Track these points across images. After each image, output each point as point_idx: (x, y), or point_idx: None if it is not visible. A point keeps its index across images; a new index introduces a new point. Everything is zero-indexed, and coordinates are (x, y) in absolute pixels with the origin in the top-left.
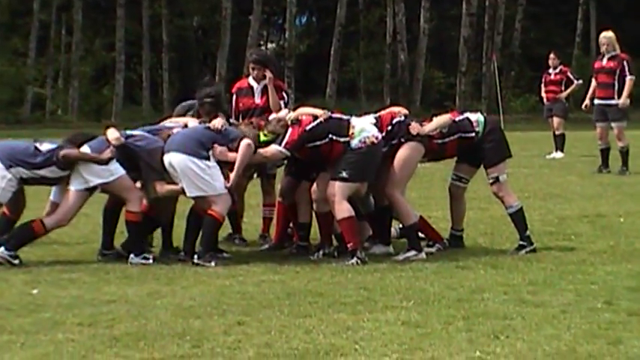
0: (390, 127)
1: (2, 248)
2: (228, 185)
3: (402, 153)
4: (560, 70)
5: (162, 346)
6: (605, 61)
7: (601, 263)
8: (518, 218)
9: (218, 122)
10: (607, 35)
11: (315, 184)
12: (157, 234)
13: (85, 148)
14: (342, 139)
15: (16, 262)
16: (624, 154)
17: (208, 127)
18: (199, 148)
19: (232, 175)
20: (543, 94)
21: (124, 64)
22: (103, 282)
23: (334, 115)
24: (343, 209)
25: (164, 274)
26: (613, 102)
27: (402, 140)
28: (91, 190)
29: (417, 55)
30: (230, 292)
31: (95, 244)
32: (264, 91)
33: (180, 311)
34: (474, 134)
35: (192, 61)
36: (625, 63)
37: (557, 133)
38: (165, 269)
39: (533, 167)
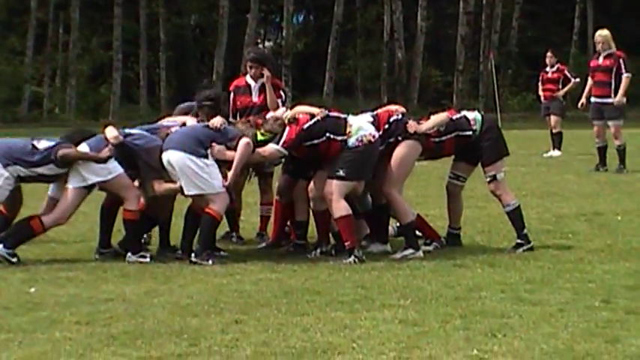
0: (387, 126)
1: (1, 246)
2: (227, 184)
3: (400, 151)
4: (558, 68)
5: (159, 345)
6: (601, 59)
7: (598, 262)
8: (516, 216)
9: (217, 121)
10: (602, 33)
11: (312, 183)
12: (155, 232)
13: (84, 147)
14: (339, 138)
15: (14, 260)
16: (621, 152)
17: (207, 126)
18: (198, 146)
19: (230, 174)
20: (540, 93)
21: (121, 62)
22: (100, 280)
23: (331, 114)
24: (340, 207)
25: (161, 273)
26: (610, 100)
27: (400, 138)
28: (89, 188)
29: (415, 53)
30: (227, 291)
31: (93, 242)
32: (262, 89)
33: (177, 309)
34: (471, 133)
35: (190, 59)
36: (621, 61)
37: (554, 131)
38: (163, 268)
39: (530, 165)
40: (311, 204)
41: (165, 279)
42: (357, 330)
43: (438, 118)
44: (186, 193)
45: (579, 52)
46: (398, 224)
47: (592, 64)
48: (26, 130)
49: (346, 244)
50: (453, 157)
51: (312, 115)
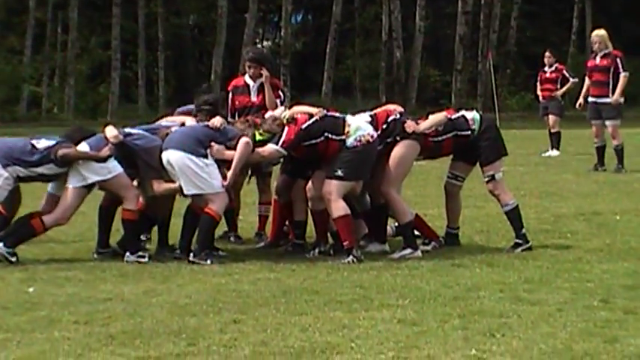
0: (385, 125)
1: (1, 244)
2: (226, 184)
3: (398, 151)
4: (556, 68)
5: (157, 344)
6: (598, 59)
7: (597, 261)
8: (514, 216)
9: (217, 120)
10: (599, 33)
11: (310, 183)
12: (154, 232)
13: (84, 146)
14: (337, 138)
15: (14, 259)
16: (619, 151)
17: (207, 126)
18: (198, 146)
19: (230, 174)
20: (539, 92)
21: (119, 62)
22: (99, 280)
23: (329, 114)
24: (339, 207)
25: (160, 272)
26: (607, 100)
27: (398, 138)
28: (89, 188)
29: (413, 53)
30: (226, 290)
31: (91, 242)
32: (261, 89)
33: (175, 309)
34: (469, 132)
35: (188, 59)
36: (618, 60)
37: (552, 131)
38: (161, 267)
39: (529, 165)
40: (309, 204)
41: (163, 279)
42: (356, 329)
43: (436, 117)
44: (185, 192)
45: (578, 52)
46: (396, 224)
47: (589, 64)
48: (25, 129)
49: (345, 243)
50: (451, 157)
51: (311, 115)
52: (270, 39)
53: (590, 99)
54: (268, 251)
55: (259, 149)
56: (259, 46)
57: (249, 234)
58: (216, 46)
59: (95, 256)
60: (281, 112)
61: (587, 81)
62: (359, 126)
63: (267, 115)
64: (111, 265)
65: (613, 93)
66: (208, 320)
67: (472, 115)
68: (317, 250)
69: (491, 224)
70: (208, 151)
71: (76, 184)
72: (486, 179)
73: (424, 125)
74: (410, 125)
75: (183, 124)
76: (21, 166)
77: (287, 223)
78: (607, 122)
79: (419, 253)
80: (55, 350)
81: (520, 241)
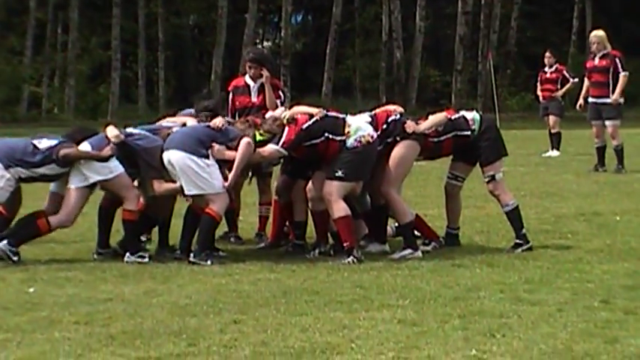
0: (385, 126)
1: (5, 242)
2: (227, 184)
3: (398, 151)
4: (556, 68)
5: (158, 345)
6: (597, 60)
7: (597, 262)
8: (514, 216)
9: (219, 121)
10: (597, 34)
11: (310, 183)
12: (155, 233)
13: (85, 146)
14: (337, 138)
15: (15, 258)
16: (619, 152)
17: (208, 126)
18: (199, 146)
19: (231, 174)
20: (539, 93)
21: (120, 62)
22: (99, 280)
23: (330, 114)
24: (339, 208)
25: (160, 273)
26: (608, 100)
27: (398, 139)
28: (91, 187)
29: (413, 53)
30: (226, 291)
31: (91, 242)
32: (261, 89)
33: (176, 310)
34: (469, 133)
35: (188, 59)
36: (617, 60)
37: (553, 131)
38: (162, 268)
39: (529, 165)
40: (309, 204)
41: (164, 279)
42: (356, 330)
43: (437, 118)
44: (186, 192)
45: (578, 52)
46: (396, 224)
47: (588, 65)
48: (25, 130)
49: (345, 244)
50: (451, 157)
51: (311, 115)
52: (270, 39)
53: (591, 99)
54: (268, 252)
55: (260, 149)
56: (259, 46)
57: (250, 234)
58: (217, 47)
59: (95, 256)
60: (281, 112)
61: (586, 82)
62: (359, 126)
63: (267, 116)
64: (111, 266)
65: (613, 93)
66: (209, 321)
67: (472, 115)
68: (317, 251)
69: (491, 224)
70: (209, 151)
71: (78, 184)
72: (486, 180)
73: (424, 125)
74: (410, 125)
75: (184, 125)
76: (23, 167)
77: (287, 223)
78: (607, 122)
79: (419, 253)
80: (56, 351)
81: (520, 242)
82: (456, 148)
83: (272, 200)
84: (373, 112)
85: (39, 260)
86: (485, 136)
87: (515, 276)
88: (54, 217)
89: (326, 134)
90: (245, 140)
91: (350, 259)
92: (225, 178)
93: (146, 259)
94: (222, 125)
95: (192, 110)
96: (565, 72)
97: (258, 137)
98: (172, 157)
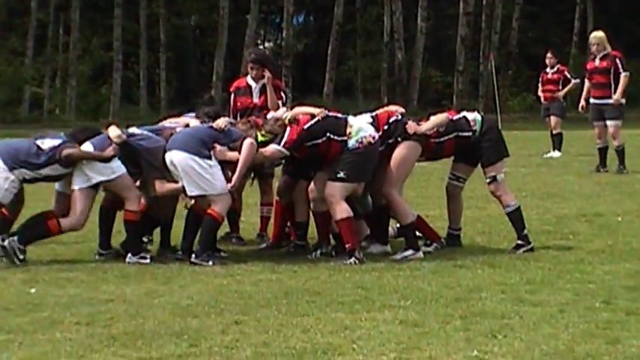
0: (386, 126)
1: (15, 237)
2: (232, 185)
3: (399, 152)
4: (558, 69)
5: (159, 345)
6: (597, 61)
7: (599, 262)
8: (516, 217)
9: (222, 122)
10: (597, 35)
11: (312, 184)
12: (156, 233)
13: (88, 146)
14: (339, 138)
15: (22, 256)
16: (620, 152)
17: (211, 127)
18: (201, 147)
19: (236, 175)
20: (540, 94)
21: (121, 63)
22: (100, 281)
23: (331, 114)
24: (341, 209)
25: (162, 274)
26: (610, 101)
27: (399, 139)
28: (96, 187)
29: (415, 54)
30: (227, 291)
31: (93, 243)
32: (263, 90)
33: (177, 310)
34: (470, 133)
35: (190, 60)
36: (617, 60)
37: (554, 132)
38: (163, 268)
39: (530, 166)
40: (311, 205)
41: (165, 280)
42: (358, 331)
43: (438, 118)
44: (188, 193)
45: (579, 53)
46: (398, 225)
47: (588, 66)
48: (26, 130)
49: (347, 245)
50: (452, 158)
51: (313, 116)
52: (271, 40)
53: (592, 100)
54: (270, 252)
55: (262, 149)
56: (261, 47)
57: (251, 235)
58: (218, 47)
59: (97, 257)
60: (282, 113)
61: (586, 83)
62: (360, 127)
63: (268, 116)
64: (113, 266)
65: (615, 93)
66: (210, 321)
67: (474, 116)
68: (319, 252)
69: (492, 225)
70: (212, 152)
71: (82, 185)
72: (488, 180)
73: (426, 126)
74: (411, 126)
75: (187, 125)
76: (27, 168)
77: (289, 224)
78: (608, 122)
79: (420, 254)
80: (57, 351)
81: (522, 242)
82: (457, 148)
83: (273, 201)
84: (374, 113)
85: (40, 261)
86: (487, 137)
87: (517, 277)
88: (65, 220)
89: (327, 134)
90: (248, 141)
91: (351, 260)
92: (227, 179)
93: (148, 260)
94: (225, 126)
95: (192, 114)
96: (566, 73)
97: (260, 138)
98: (175, 157)
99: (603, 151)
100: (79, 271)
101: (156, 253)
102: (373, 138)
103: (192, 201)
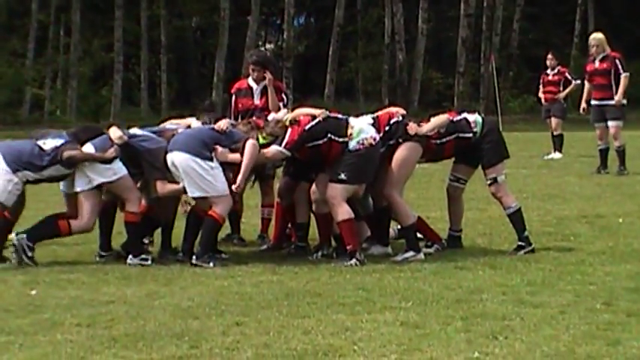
0: (387, 128)
1: (24, 235)
2: (236, 185)
3: (400, 153)
4: (558, 70)
5: (160, 347)
6: (597, 63)
7: (600, 264)
8: (517, 219)
9: (223, 123)
10: (596, 37)
11: (314, 185)
12: (157, 235)
13: (89, 147)
14: (340, 139)
15: (30, 254)
16: (621, 153)
17: (213, 128)
18: (203, 148)
19: (240, 176)
20: (541, 95)
21: (122, 64)
22: (101, 283)
23: (332, 115)
24: (343, 211)
25: (162, 275)
26: (612, 102)
27: (400, 141)
28: (98, 187)
29: (415, 55)
30: (228, 293)
31: (94, 244)
32: (264, 92)
33: (178, 312)
34: (471, 135)
35: (191, 61)
36: (617, 61)
37: (555, 133)
38: (164, 270)
39: (531, 168)
40: (313, 206)
41: (166, 281)
42: (359, 332)
43: (439, 119)
44: (189, 195)
45: (580, 55)
46: (399, 226)
47: (588, 68)
48: (27, 132)
49: (348, 247)
50: (453, 159)
51: (314, 117)
52: (272, 42)
53: (594, 102)
54: (271, 254)
55: (263, 150)
56: (262, 48)
57: (252, 236)
58: (219, 49)
59: (98, 258)
60: (283, 114)
61: (587, 85)
62: (362, 128)
63: (269, 118)
64: (113, 268)
65: (616, 94)
66: (211, 323)
67: (474, 117)
68: (320, 253)
69: (493, 227)
70: (213, 154)
71: (84, 187)
72: (489, 182)
73: (426, 127)
74: (412, 127)
75: (188, 127)
76: (31, 170)
77: (289, 225)
78: (610, 123)
79: (421, 255)
80: (58, 353)
81: (523, 244)
82: (457, 150)
83: (274, 202)
84: (375, 115)
85: (41, 262)
86: (487, 138)
87: (518, 278)
88: (75, 222)
89: (329, 135)
90: (251, 142)
91: (352, 261)
92: (228, 181)
93: (149, 262)
94: (227, 128)
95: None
96: (567, 74)
97: (261, 141)
98: (176, 158)
99: (604, 153)
100: (79, 272)
101: (157, 254)
102: (374, 139)
103: (190, 208)
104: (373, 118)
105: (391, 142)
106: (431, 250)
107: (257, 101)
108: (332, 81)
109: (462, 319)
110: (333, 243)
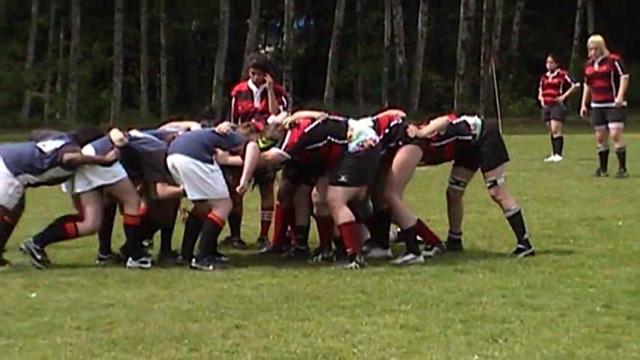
0: (387, 130)
1: (31, 239)
2: (240, 187)
3: (400, 156)
4: (558, 73)
5: (160, 350)
6: (596, 66)
7: (599, 266)
8: (517, 221)
9: (224, 126)
10: (595, 40)
11: (315, 188)
12: (157, 237)
13: (89, 149)
14: (339, 142)
15: (39, 257)
16: (621, 155)
17: (213, 131)
18: (203, 151)
19: (242, 179)
20: (541, 98)
21: (122, 67)
22: (101, 286)
23: (332, 117)
24: (343, 214)
25: (162, 278)
26: (612, 104)
27: (400, 143)
28: (99, 188)
29: (415, 58)
30: (228, 296)
31: (93, 247)
32: (264, 95)
33: (178, 315)
34: (471, 137)
35: (191, 64)
36: (616, 64)
37: (555, 136)
38: (164, 273)
39: (531, 170)
40: (314, 209)
41: (165, 284)
42: (358, 335)
43: (438, 122)
44: (189, 197)
45: (580, 57)
46: (399, 229)
47: (588, 71)
48: (27, 135)
49: (348, 250)
50: (453, 162)
51: (313, 119)
52: (272, 44)
53: (594, 104)
54: (271, 256)
55: (263, 153)
56: (262, 51)
57: (252, 239)
58: (219, 52)
59: (97, 261)
60: (283, 117)
61: (586, 88)
62: (361, 130)
63: (269, 121)
64: (113, 271)
65: (616, 96)
66: (211, 326)
67: (474, 120)
68: (320, 256)
69: (493, 230)
70: (214, 156)
71: (84, 188)
72: (488, 185)
73: (426, 130)
74: (412, 130)
75: (188, 129)
76: (31, 173)
77: (289, 228)
78: (610, 125)
79: (421, 258)
80: (58, 356)
81: (522, 247)
82: (457, 152)
83: (274, 205)
84: (375, 117)
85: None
86: (487, 141)
87: (518, 281)
88: (81, 224)
89: (328, 137)
90: (252, 144)
91: (352, 264)
92: (228, 184)
93: (148, 265)
94: (227, 130)
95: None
96: (567, 77)
97: (261, 145)
98: (176, 161)
99: (604, 155)
100: (79, 275)
101: (156, 257)
102: (374, 141)
103: (188, 215)
104: (373, 121)
105: (391, 145)
106: (431, 253)
107: (257, 104)
108: (332, 84)
109: (461, 322)
110: (333, 246)
